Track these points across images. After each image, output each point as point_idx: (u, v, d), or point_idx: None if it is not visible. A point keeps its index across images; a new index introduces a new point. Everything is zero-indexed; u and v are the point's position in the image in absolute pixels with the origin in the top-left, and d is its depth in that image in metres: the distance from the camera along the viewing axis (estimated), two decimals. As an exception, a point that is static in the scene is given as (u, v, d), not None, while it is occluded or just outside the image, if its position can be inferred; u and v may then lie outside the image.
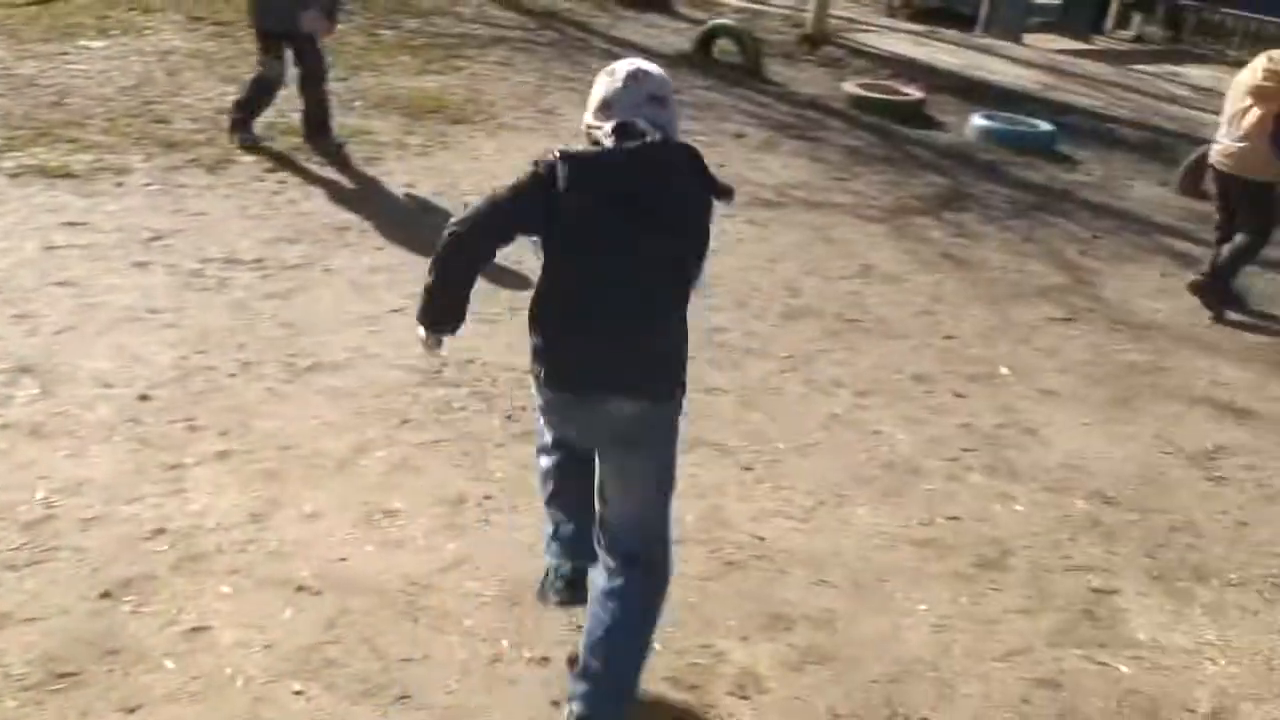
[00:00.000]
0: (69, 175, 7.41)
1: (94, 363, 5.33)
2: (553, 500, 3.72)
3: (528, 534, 4.25)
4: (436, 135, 9.15)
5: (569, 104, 10.55)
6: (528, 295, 3.37)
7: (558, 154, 3.18)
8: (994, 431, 5.76)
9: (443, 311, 3.39)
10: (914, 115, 11.83)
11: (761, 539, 4.64)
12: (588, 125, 3.31)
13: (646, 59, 3.43)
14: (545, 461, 3.71)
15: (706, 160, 3.28)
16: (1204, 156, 10.27)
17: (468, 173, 8.41)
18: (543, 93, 10.88)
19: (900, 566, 4.57)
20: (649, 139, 3.19)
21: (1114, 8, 18.53)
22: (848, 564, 4.55)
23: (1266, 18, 17.28)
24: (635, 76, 3.27)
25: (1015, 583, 4.56)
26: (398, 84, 10.43)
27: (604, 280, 3.22)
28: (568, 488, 3.66)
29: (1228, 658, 4.29)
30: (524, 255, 3.59)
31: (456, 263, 3.29)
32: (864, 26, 15.87)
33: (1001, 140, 11.06)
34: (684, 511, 4.68)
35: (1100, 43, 17.46)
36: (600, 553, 3.49)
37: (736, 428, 5.48)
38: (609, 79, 3.29)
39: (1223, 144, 7.42)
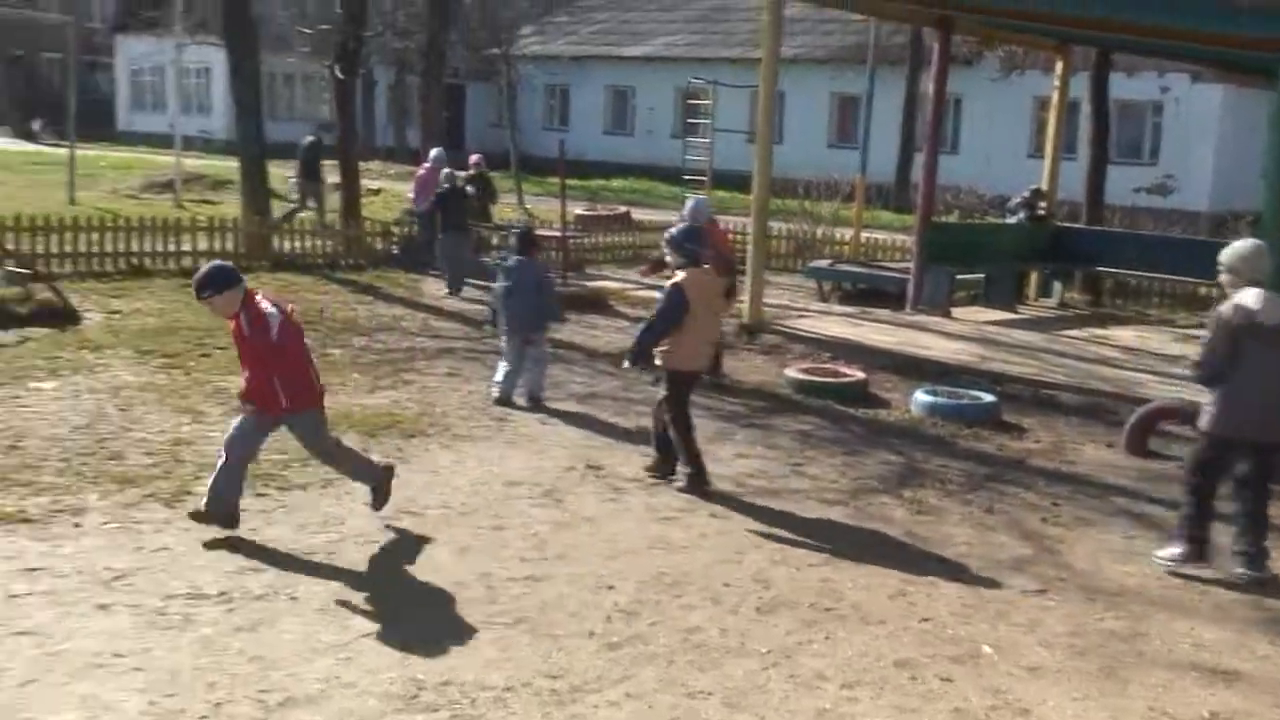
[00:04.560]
0: (26, 520, 7.31)
1: (60, 717, 5.14)
2: None
3: None
4: (393, 450, 9.16)
5: (521, 408, 10.70)
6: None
7: None
8: (987, 716, 5.65)
9: None
10: (858, 395, 12.08)
11: None
12: None
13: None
14: None
15: None
16: (1146, 415, 10.59)
17: (427, 486, 8.41)
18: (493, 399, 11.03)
19: None
20: None
21: (1035, 277, 19.28)
22: None
23: (1178, 278, 18.05)
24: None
25: None
26: (351, 401, 10.52)
27: None
28: None
29: None
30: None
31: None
32: (798, 312, 16.36)
33: (947, 414, 11.28)
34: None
35: (1025, 311, 18.07)
36: None
37: (727, 732, 5.35)
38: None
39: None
